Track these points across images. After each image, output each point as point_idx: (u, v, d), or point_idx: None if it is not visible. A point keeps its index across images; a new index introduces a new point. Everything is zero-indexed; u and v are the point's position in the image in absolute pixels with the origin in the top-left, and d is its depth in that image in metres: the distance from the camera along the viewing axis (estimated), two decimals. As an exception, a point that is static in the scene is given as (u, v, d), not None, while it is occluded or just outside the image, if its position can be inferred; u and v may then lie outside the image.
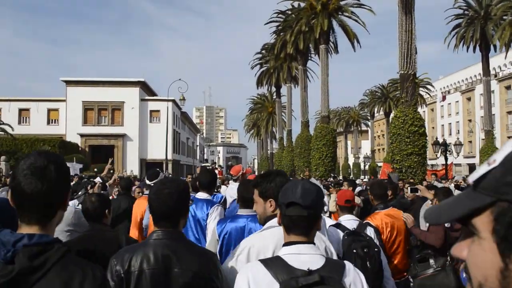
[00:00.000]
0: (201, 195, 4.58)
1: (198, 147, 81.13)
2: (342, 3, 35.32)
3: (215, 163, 31.92)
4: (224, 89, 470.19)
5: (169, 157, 53.64)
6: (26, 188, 1.49)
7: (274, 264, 1.94)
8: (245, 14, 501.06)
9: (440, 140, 23.54)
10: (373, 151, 72.90)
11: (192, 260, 2.28)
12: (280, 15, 42.64)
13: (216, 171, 11.68)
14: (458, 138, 33.84)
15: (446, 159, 21.13)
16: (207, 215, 4.32)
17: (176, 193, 2.39)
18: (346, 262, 2.11)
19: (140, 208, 6.00)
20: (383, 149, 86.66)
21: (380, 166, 70.11)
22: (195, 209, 4.35)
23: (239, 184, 4.07)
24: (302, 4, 37.45)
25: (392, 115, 70.43)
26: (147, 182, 6.13)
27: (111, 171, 9.60)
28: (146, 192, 6.70)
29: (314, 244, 2.04)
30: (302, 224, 1.98)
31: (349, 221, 4.27)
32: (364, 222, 4.49)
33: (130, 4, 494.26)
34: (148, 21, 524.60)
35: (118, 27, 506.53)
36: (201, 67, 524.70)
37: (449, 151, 21.97)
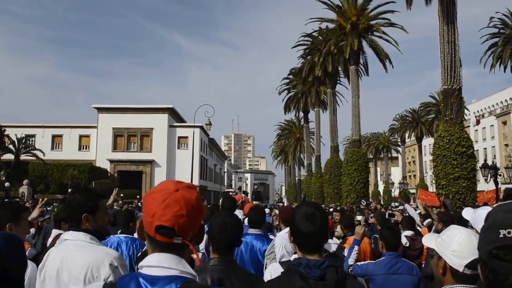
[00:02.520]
0: (253, 231, 4.67)
1: (225, 173, 79.21)
2: (372, 22, 33.26)
3: (241, 188, 29.90)
4: (252, 117, 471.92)
5: (196, 183, 52.08)
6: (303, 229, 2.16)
7: (286, 263, 2.74)
8: (273, 45, 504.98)
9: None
10: (404, 178, 69.36)
11: (243, 284, 2.59)
12: (307, 38, 40.79)
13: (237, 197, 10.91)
14: (510, 161, 30.64)
15: (496, 184, 18.37)
16: (265, 250, 4.38)
17: (238, 225, 2.85)
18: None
19: None
20: (414, 175, 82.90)
21: (413, 193, 66.66)
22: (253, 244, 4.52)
23: (250, 209, 4.76)
24: (331, 25, 35.56)
25: (424, 141, 67.52)
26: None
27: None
28: None
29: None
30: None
31: (330, 244, 4.53)
32: (339, 245, 4.85)
33: (162, 37, 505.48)
34: (179, 52, 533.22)
35: (149, 58, 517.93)
36: (230, 96, 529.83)
37: (500, 175, 19.22)
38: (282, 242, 4.10)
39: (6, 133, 42.28)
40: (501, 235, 1.04)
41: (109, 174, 52.16)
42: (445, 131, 17.29)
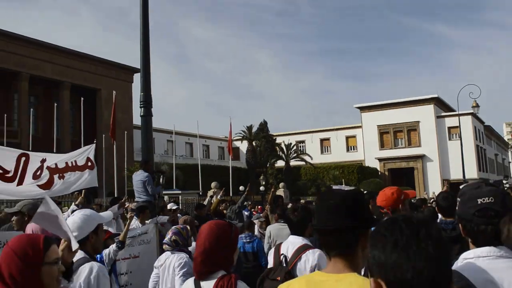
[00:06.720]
0: None
1: (510, 163, 66.91)
2: None
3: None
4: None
5: (474, 175, 44.86)
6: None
7: None
8: None
9: None
10: None
11: None
12: None
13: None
14: None
15: None
16: None
17: None
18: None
19: None
20: None
21: None
22: None
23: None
24: None
25: None
26: None
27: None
28: None
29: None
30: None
31: None
32: None
33: (422, 29, 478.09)
34: (442, 42, 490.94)
35: (411, 54, 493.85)
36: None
37: None
38: None
39: (277, 142, 45.27)
40: (479, 202, 1.62)
41: (379, 173, 50.13)
42: None
